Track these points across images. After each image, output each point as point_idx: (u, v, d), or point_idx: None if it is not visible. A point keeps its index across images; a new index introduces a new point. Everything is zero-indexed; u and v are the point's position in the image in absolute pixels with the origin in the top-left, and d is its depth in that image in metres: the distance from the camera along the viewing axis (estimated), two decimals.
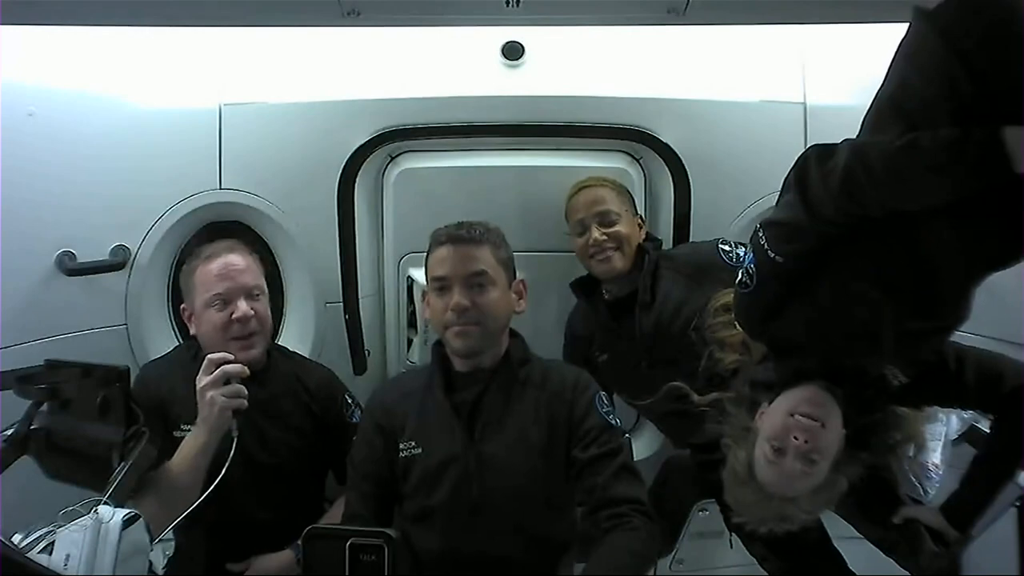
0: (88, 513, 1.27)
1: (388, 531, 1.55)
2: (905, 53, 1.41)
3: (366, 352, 2.53)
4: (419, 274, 2.31)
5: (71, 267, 2.17)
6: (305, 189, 2.38)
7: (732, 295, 1.71)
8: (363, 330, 2.51)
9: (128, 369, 1.55)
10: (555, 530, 1.90)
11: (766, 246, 1.50)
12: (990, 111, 1.29)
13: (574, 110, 2.36)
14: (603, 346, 2.25)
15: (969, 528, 1.69)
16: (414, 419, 1.91)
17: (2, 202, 2.01)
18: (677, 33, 2.32)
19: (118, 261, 2.25)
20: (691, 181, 2.40)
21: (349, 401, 2.17)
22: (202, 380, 1.82)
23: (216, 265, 2.01)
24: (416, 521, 1.88)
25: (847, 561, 1.85)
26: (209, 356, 1.85)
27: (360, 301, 2.49)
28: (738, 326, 1.72)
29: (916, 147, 1.31)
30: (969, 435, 1.97)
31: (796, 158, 1.49)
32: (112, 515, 1.28)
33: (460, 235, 1.91)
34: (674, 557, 2.50)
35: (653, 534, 1.76)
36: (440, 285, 1.90)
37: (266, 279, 2.13)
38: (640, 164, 2.46)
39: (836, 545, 1.86)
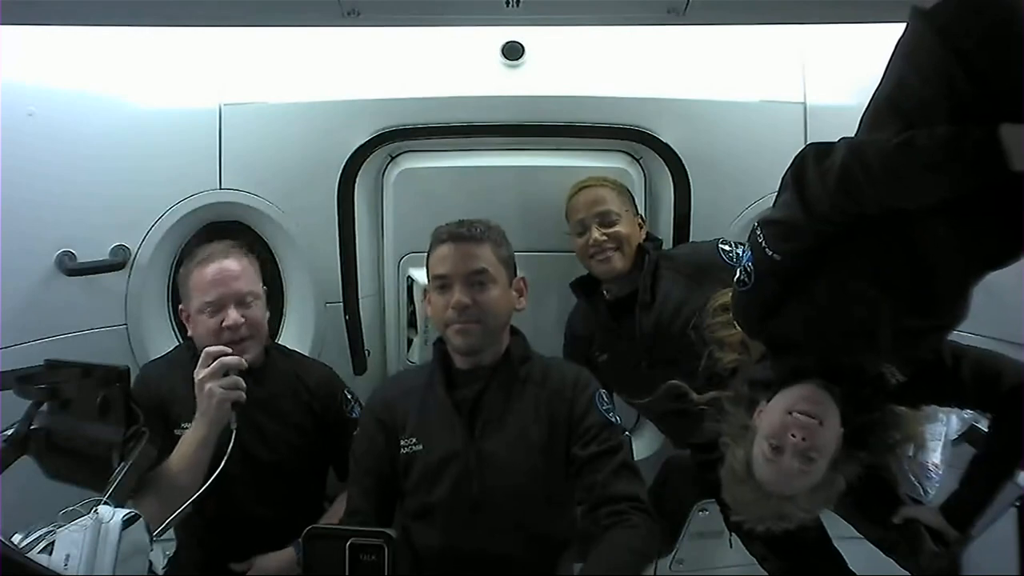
0: (88, 513, 1.27)
1: (388, 531, 1.55)
2: (903, 52, 1.41)
3: (366, 352, 2.53)
4: (419, 274, 2.32)
5: (71, 267, 2.18)
6: (305, 189, 2.38)
7: (731, 295, 1.71)
8: (363, 330, 2.51)
9: (128, 369, 1.56)
10: (555, 528, 1.90)
11: (764, 244, 1.50)
12: (988, 110, 1.28)
13: (574, 110, 2.36)
14: (603, 346, 2.25)
15: (969, 528, 1.69)
16: (415, 416, 1.91)
17: (2, 202, 2.02)
18: (677, 33, 2.32)
19: (118, 261, 2.25)
20: (691, 181, 2.40)
21: (349, 397, 2.17)
22: (200, 373, 1.83)
23: (210, 271, 2.00)
24: (416, 518, 1.88)
25: (847, 561, 1.85)
26: (207, 349, 1.87)
27: (360, 301, 2.49)
28: (737, 325, 1.72)
29: (913, 145, 1.31)
30: (969, 435, 1.96)
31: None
32: (112, 515, 1.28)
33: (461, 233, 1.92)
34: (674, 557, 2.50)
35: (652, 531, 1.76)
36: (441, 283, 1.90)
37: (266, 279, 2.13)
38: (640, 164, 2.45)
39: (836, 545, 1.86)
